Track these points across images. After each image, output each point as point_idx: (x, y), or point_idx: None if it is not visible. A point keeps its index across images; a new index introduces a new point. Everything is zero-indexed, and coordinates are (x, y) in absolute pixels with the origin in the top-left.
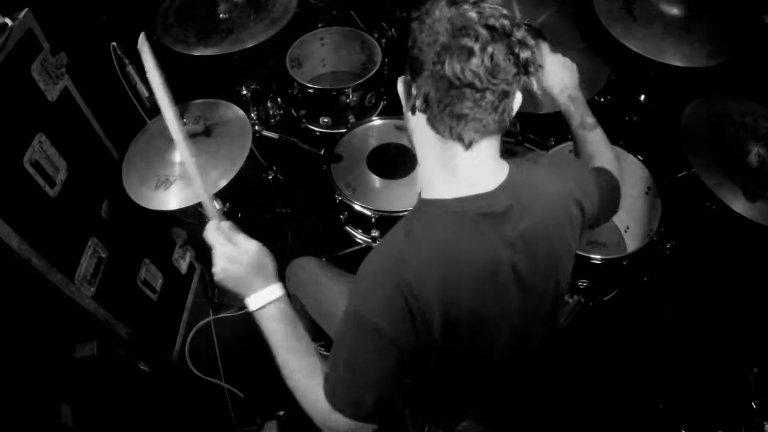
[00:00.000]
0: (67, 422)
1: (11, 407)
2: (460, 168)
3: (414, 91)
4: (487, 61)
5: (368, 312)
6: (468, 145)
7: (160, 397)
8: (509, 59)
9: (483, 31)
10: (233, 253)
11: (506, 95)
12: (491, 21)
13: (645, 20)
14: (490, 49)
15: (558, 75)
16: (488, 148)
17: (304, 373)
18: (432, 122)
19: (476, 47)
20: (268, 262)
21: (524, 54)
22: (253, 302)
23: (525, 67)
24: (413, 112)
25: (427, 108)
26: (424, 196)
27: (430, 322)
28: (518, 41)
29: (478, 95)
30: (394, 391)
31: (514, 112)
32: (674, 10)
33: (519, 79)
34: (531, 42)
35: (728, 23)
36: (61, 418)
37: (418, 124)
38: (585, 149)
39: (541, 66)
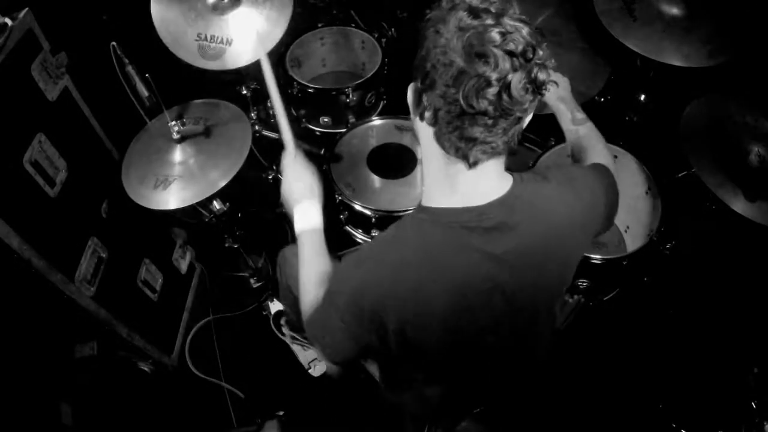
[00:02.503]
0: (67, 422)
1: (11, 407)
2: (461, 183)
3: (424, 102)
4: (504, 93)
5: (336, 301)
6: (472, 165)
7: (160, 396)
8: (527, 88)
9: (503, 59)
10: (298, 172)
11: (519, 121)
12: (512, 46)
13: (645, 20)
14: (509, 79)
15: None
16: (493, 165)
17: (314, 282)
18: (439, 138)
19: (494, 77)
20: (318, 185)
21: (542, 77)
22: (305, 219)
23: (541, 90)
24: (421, 119)
25: (435, 123)
26: (423, 202)
27: (393, 327)
28: (537, 64)
29: (490, 122)
30: (356, 359)
31: (523, 128)
32: (674, 10)
33: (534, 104)
34: (550, 62)
35: (728, 23)
36: (61, 418)
37: (425, 133)
38: (578, 143)
39: (555, 82)
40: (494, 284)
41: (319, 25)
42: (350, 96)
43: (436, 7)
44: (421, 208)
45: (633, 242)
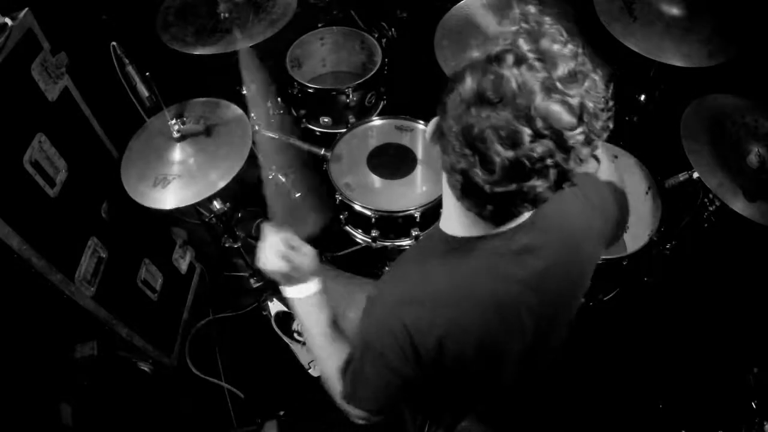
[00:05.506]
0: (67, 422)
1: (11, 407)
2: (482, 225)
3: (440, 149)
4: (512, 208)
5: (376, 341)
6: (492, 222)
7: (160, 397)
8: (548, 191)
9: (515, 171)
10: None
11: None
12: (539, 151)
13: (645, 20)
14: (522, 189)
15: None
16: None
17: (329, 356)
18: (453, 190)
19: (499, 190)
20: (315, 262)
21: (572, 165)
22: (297, 292)
23: (564, 184)
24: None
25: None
26: (443, 228)
27: (437, 357)
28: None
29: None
30: (398, 402)
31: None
32: (674, 10)
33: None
34: (603, 122)
35: (729, 22)
36: (61, 418)
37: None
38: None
39: (597, 158)
40: (524, 307)
41: (319, 25)
42: (350, 96)
43: (466, 75)
44: (442, 235)
45: (633, 242)
